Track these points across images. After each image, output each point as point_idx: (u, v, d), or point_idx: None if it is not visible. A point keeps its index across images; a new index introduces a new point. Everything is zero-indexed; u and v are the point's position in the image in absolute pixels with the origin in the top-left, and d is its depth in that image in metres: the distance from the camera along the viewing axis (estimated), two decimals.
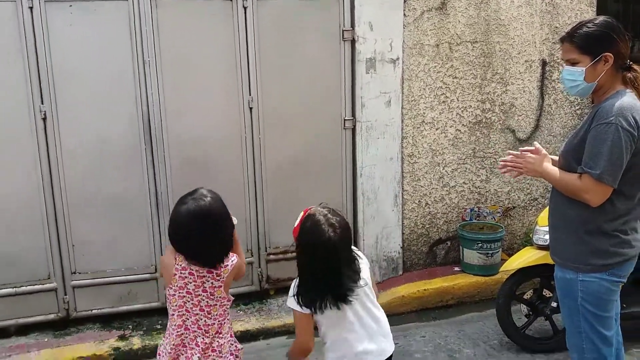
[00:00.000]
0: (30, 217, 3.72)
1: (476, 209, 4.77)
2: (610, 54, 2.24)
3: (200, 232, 2.18)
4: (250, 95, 3.99)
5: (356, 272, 2.19)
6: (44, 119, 3.64)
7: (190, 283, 2.26)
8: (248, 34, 3.92)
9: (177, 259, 2.26)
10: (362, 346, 2.19)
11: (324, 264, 2.11)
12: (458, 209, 4.73)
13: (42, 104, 3.62)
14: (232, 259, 2.32)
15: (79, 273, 3.87)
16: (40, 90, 3.60)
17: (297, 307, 2.17)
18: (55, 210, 3.75)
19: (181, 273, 2.25)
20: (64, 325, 3.90)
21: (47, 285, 3.82)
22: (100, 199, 3.80)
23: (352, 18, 4.13)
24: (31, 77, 3.58)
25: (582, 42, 2.28)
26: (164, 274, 2.37)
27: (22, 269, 3.75)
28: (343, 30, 4.13)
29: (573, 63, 2.31)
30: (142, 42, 3.72)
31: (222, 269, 2.28)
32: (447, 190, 4.66)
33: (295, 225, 2.22)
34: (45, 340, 3.78)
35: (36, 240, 3.75)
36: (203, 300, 2.27)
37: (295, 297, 2.16)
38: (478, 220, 4.77)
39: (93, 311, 3.91)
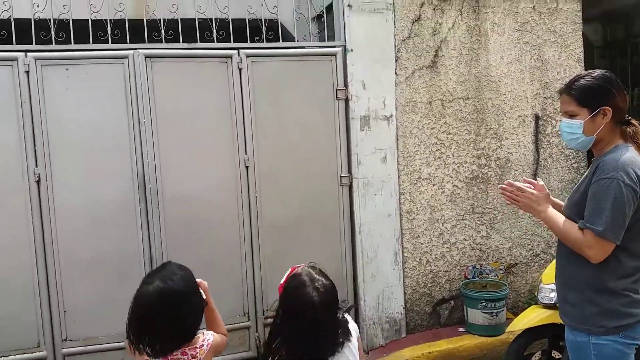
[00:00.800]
0: (20, 282, 3.68)
1: (478, 266, 4.73)
2: (609, 108, 2.24)
3: (169, 314, 2.02)
4: (246, 154, 4.05)
5: (336, 341, 2.10)
6: (38, 182, 3.67)
7: None
8: (243, 94, 4.03)
9: (145, 356, 2.06)
10: None
11: (305, 326, 2.04)
12: (460, 266, 4.69)
13: (37, 166, 3.66)
14: (208, 338, 2.19)
15: (70, 340, 3.78)
16: (35, 153, 3.66)
17: None
18: (47, 274, 3.72)
19: None
20: None
21: (37, 354, 3.73)
22: (94, 261, 3.78)
23: (344, 77, 4.26)
24: (26, 140, 3.64)
25: (580, 94, 2.28)
26: None
27: (10, 336, 3.67)
28: (337, 89, 4.25)
29: (571, 115, 2.31)
30: (137, 103, 3.81)
31: (197, 350, 2.12)
32: (447, 247, 4.64)
33: (281, 283, 2.17)
34: None
35: (26, 305, 3.69)
36: None
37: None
38: (481, 277, 4.72)
39: None
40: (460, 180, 4.63)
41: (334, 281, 2.18)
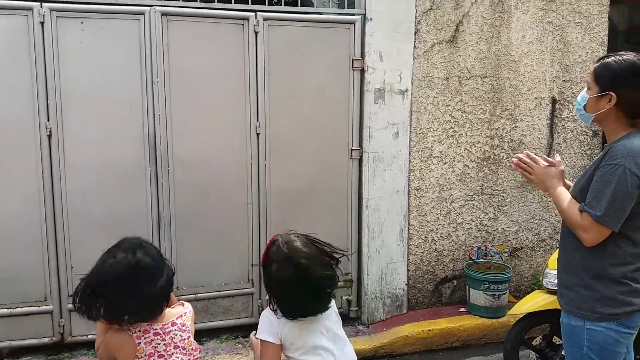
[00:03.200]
0: (29, 236, 3.83)
1: (483, 248, 4.90)
2: (614, 95, 2.25)
3: (144, 284, 2.08)
4: (257, 120, 4.17)
5: (333, 276, 2.25)
6: (49, 136, 3.78)
7: (160, 344, 2.15)
8: (258, 59, 4.12)
9: (132, 328, 2.11)
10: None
11: (290, 280, 2.16)
12: (465, 246, 4.86)
13: (48, 120, 3.77)
14: (187, 305, 2.30)
15: None
16: (47, 106, 3.76)
17: (271, 338, 2.20)
18: (56, 230, 3.87)
19: (145, 338, 2.12)
20: (57, 349, 3.98)
21: (43, 308, 3.91)
22: (102, 219, 3.92)
23: (362, 47, 4.35)
24: (38, 93, 3.74)
25: (599, 70, 2.31)
26: (119, 355, 2.12)
27: (18, 289, 3.85)
28: (353, 60, 4.34)
29: (588, 87, 2.35)
30: (151, 62, 3.91)
31: (183, 318, 2.23)
32: (454, 227, 4.80)
33: (263, 252, 2.31)
34: None
35: (34, 259, 3.85)
36: (178, 358, 2.18)
37: (277, 311, 2.20)
38: (485, 259, 4.89)
39: (89, 336, 3.96)
40: (471, 160, 4.76)
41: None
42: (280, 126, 4.23)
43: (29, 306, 3.89)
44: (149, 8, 3.87)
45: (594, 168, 2.30)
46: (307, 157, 4.33)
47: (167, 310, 2.21)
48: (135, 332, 2.11)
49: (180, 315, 2.22)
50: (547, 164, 2.48)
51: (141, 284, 2.08)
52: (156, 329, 2.14)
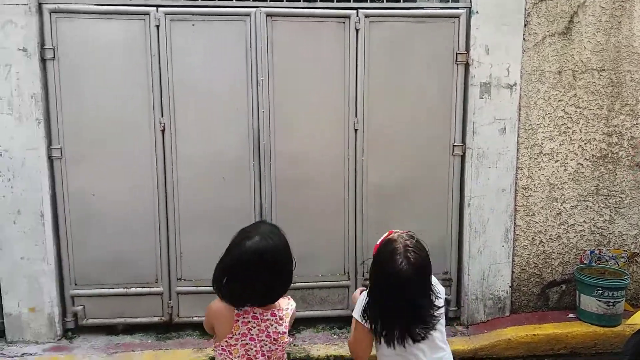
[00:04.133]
0: (144, 223, 4.14)
1: (597, 252, 4.57)
2: None
3: (268, 271, 2.14)
4: (356, 117, 4.18)
5: (428, 314, 2.18)
6: (163, 131, 4.06)
7: (254, 328, 2.21)
8: (358, 56, 4.13)
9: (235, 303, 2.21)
10: None
11: (391, 294, 2.13)
12: (576, 249, 4.56)
13: (162, 116, 4.04)
14: (292, 303, 2.34)
15: (184, 280, 4.23)
16: (161, 103, 4.03)
17: (362, 320, 2.23)
18: (167, 219, 4.15)
19: (244, 318, 2.20)
20: (166, 329, 4.27)
21: (154, 289, 4.22)
22: (208, 209, 4.15)
23: (467, 41, 4.21)
24: (154, 91, 4.02)
25: None
26: (215, 324, 2.24)
27: (133, 270, 4.18)
28: (457, 53, 4.22)
29: None
30: (256, 61, 4.06)
31: (283, 312, 2.26)
32: (564, 229, 4.52)
33: (376, 244, 2.28)
34: (149, 341, 4.16)
35: (148, 245, 4.16)
36: (265, 345, 2.23)
37: (363, 312, 2.22)
38: (598, 264, 4.56)
39: (194, 318, 4.23)
40: (586, 158, 4.45)
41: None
42: (378, 122, 4.22)
43: (142, 287, 4.21)
44: (254, 9, 4.02)
45: None
46: (405, 153, 4.27)
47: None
48: (237, 309, 2.19)
49: (281, 308, 2.27)
50: None
51: (267, 270, 2.13)
52: (256, 314, 2.20)
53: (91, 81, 3.98)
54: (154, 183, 4.10)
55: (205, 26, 4.01)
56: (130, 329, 4.26)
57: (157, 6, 3.98)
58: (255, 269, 2.12)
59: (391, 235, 2.26)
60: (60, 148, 4.02)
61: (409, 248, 2.16)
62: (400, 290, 2.12)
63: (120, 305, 4.20)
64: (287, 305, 2.31)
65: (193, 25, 4.00)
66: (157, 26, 3.97)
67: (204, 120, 4.08)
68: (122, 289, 4.19)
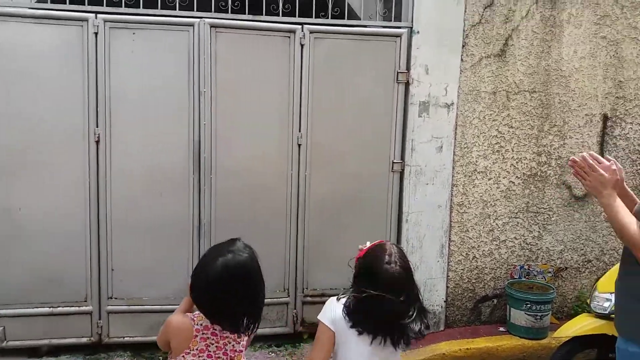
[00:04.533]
0: (74, 238, 3.91)
1: (526, 267, 4.73)
2: None
3: (241, 292, 2.11)
4: (299, 131, 4.14)
5: (406, 330, 2.17)
6: (97, 142, 3.85)
7: (212, 345, 2.17)
8: (303, 71, 4.10)
9: (195, 319, 2.17)
10: None
11: (378, 289, 2.12)
12: (507, 265, 4.70)
13: (97, 127, 3.84)
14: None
15: (115, 298, 4.02)
16: (97, 113, 3.84)
17: (329, 323, 2.20)
18: (99, 233, 3.94)
19: (203, 334, 2.16)
20: (94, 350, 4.04)
21: (83, 308, 3.98)
22: (144, 224, 3.97)
23: (407, 60, 4.27)
24: (89, 100, 3.82)
25: None
26: (173, 339, 2.17)
27: (61, 289, 3.93)
28: (398, 72, 4.26)
29: None
30: (199, 72, 3.93)
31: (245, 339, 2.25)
32: (496, 245, 4.65)
33: (362, 249, 2.29)
34: None
35: (77, 261, 3.93)
36: None
37: (345, 313, 2.19)
38: (527, 278, 4.73)
39: (125, 338, 4.04)
40: (517, 176, 4.61)
41: None
42: (321, 137, 4.19)
43: (70, 306, 3.97)
44: (198, 20, 3.91)
45: None
46: (347, 168, 4.27)
47: None
48: (197, 325, 2.15)
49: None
50: (606, 172, 2.23)
51: (238, 288, 2.10)
52: (215, 330, 2.16)
53: (21, 88, 3.74)
54: (85, 197, 3.88)
55: (146, 35, 3.86)
56: (55, 351, 4.00)
57: (97, 12, 3.81)
58: (226, 288, 2.09)
59: (381, 242, 2.29)
60: None
61: (400, 254, 2.22)
62: (389, 285, 2.12)
63: (46, 326, 3.93)
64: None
65: (134, 34, 3.84)
66: (96, 33, 3.79)
67: (143, 131, 3.92)
68: (48, 309, 3.92)
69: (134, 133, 3.91)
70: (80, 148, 3.84)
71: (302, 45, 4.07)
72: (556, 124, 4.65)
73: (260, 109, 4.08)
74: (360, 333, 2.18)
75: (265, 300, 4.09)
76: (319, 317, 2.27)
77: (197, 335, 2.15)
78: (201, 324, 2.16)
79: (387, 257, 2.17)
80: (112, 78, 3.83)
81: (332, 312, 2.23)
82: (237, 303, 2.11)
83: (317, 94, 4.15)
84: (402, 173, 4.36)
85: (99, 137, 3.85)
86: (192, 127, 3.97)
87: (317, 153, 4.20)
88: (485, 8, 4.42)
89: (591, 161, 2.27)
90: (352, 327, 2.18)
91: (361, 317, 2.17)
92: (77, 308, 3.97)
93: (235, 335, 2.20)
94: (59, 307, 3.94)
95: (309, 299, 4.31)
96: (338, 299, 2.27)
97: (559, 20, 4.56)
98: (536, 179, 4.66)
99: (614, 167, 2.25)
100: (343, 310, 2.21)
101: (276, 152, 4.14)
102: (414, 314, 2.16)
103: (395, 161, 4.34)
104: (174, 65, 3.92)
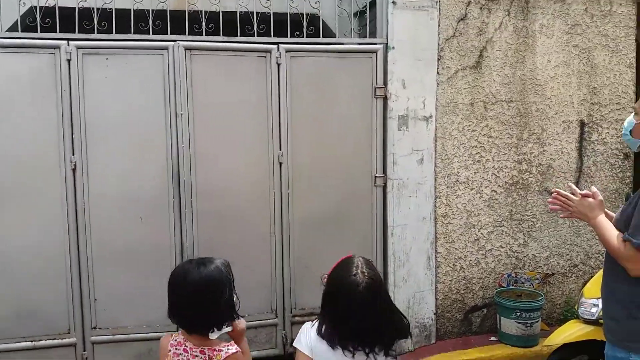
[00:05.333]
0: (53, 268, 3.71)
1: (513, 275, 4.63)
2: None
3: (196, 296, 2.10)
4: (280, 150, 4.00)
5: (393, 330, 2.11)
6: (74, 170, 3.69)
7: None
8: (280, 90, 3.98)
9: (173, 335, 2.19)
10: None
11: (348, 303, 2.06)
12: (494, 274, 4.59)
13: (73, 154, 3.68)
14: (229, 348, 2.15)
15: (100, 328, 3.81)
16: (72, 140, 3.67)
17: (306, 350, 2.11)
18: (80, 262, 3.75)
19: (176, 349, 2.15)
20: None
21: (67, 340, 3.77)
22: (125, 251, 3.78)
23: (384, 75, 4.17)
24: (64, 128, 3.66)
25: None
26: (160, 356, 2.22)
27: (42, 322, 3.71)
28: (375, 88, 4.16)
29: (635, 112, 2.30)
30: (175, 95, 3.79)
31: (214, 353, 2.12)
32: (482, 254, 4.55)
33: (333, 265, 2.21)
34: None
35: (58, 292, 3.72)
36: None
37: (319, 334, 2.10)
38: (515, 286, 4.60)
39: None
40: (499, 185, 4.52)
41: None
42: (302, 155, 4.05)
43: (53, 338, 3.75)
44: (172, 43, 3.78)
45: (639, 197, 2.18)
46: (330, 185, 4.12)
47: (216, 339, 2.17)
48: (172, 340, 2.17)
49: (215, 349, 2.12)
50: (582, 195, 2.33)
51: (194, 294, 2.11)
52: (187, 347, 2.14)
53: None
54: (64, 226, 3.69)
55: (120, 60, 3.71)
56: None
57: (69, 39, 3.66)
58: (180, 291, 2.14)
59: (349, 255, 2.21)
60: None
61: (366, 266, 2.13)
62: (358, 297, 2.04)
63: None
64: (223, 348, 2.13)
65: (107, 59, 3.69)
66: (69, 60, 3.64)
67: (120, 157, 3.75)
68: (29, 342, 3.69)
69: (111, 158, 3.74)
70: (57, 177, 3.67)
71: (278, 65, 3.95)
72: (535, 131, 4.57)
73: (239, 129, 3.93)
74: (336, 349, 2.06)
75: (254, 322, 4.06)
76: (294, 344, 2.16)
77: (170, 350, 2.15)
78: (176, 340, 2.16)
79: (353, 269, 2.09)
80: (86, 104, 3.68)
81: (307, 338, 2.13)
82: (196, 307, 2.10)
83: (297, 112, 4.02)
84: (384, 187, 4.22)
85: (75, 165, 3.68)
86: (170, 150, 3.81)
87: (298, 171, 4.05)
88: (459, 21, 4.36)
89: (568, 192, 2.38)
90: (329, 345, 2.07)
91: (335, 333, 2.07)
92: (60, 340, 3.75)
93: (206, 355, 2.12)
94: (41, 340, 3.71)
95: (297, 319, 4.13)
96: (312, 324, 2.16)
97: (531, 30, 4.51)
98: (518, 186, 4.57)
99: (595, 189, 2.34)
100: (317, 332, 2.10)
101: (257, 171, 3.99)
102: (388, 324, 2.09)
103: (377, 175, 4.21)
104: (150, 88, 3.77)
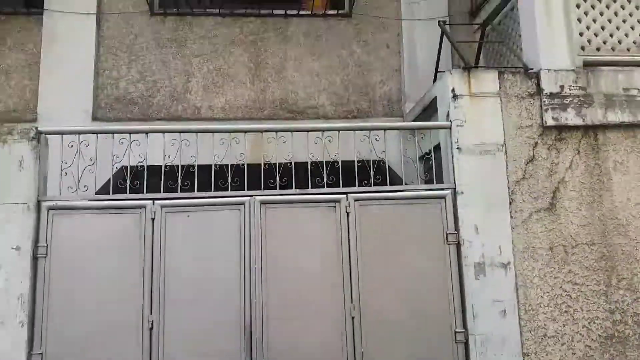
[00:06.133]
0: None
1: None
2: None
3: None
4: (352, 302, 3.77)
5: None
6: (151, 329, 3.61)
7: None
8: (350, 239, 3.86)
9: None
10: None
11: None
12: None
13: (151, 313, 3.63)
14: None
15: None
16: (151, 298, 3.65)
17: None
18: None
19: None
20: None
21: None
22: None
23: (455, 220, 3.97)
24: (144, 285, 3.67)
25: None
26: None
27: None
28: (447, 234, 3.95)
29: None
30: (249, 248, 3.78)
31: None
32: None
33: None
34: None
35: None
36: None
37: None
38: None
39: None
40: (592, 339, 3.98)
41: None
42: (376, 308, 3.79)
43: None
44: (249, 198, 3.85)
45: None
46: (406, 340, 3.79)
47: None
48: None
49: None
50: None
51: None
52: None
53: (80, 278, 3.66)
54: None
55: (200, 215, 3.80)
56: None
57: (154, 199, 3.79)
58: None
59: None
60: (41, 354, 3.57)
61: None
62: None
63: None
64: None
65: (188, 216, 3.77)
66: (153, 219, 3.73)
67: (195, 315, 3.69)
68: None
69: (186, 317, 3.68)
70: (134, 337, 3.62)
71: (347, 213, 3.88)
72: (624, 276, 4.10)
73: (310, 282, 3.80)
74: None
75: None
76: None
77: None
78: None
79: None
80: (167, 260, 3.73)
81: None
82: None
83: (368, 262, 3.85)
84: (466, 343, 3.81)
85: (152, 325, 3.61)
86: (243, 307, 3.71)
87: (372, 325, 3.77)
88: (527, 163, 4.18)
89: None
90: None
91: None
92: None
93: None
94: None
95: None
96: None
97: (604, 168, 4.24)
98: (614, 340, 4.00)
99: None
100: None
101: (329, 326, 3.75)
102: None
103: (457, 330, 3.82)
104: (226, 242, 3.80)
